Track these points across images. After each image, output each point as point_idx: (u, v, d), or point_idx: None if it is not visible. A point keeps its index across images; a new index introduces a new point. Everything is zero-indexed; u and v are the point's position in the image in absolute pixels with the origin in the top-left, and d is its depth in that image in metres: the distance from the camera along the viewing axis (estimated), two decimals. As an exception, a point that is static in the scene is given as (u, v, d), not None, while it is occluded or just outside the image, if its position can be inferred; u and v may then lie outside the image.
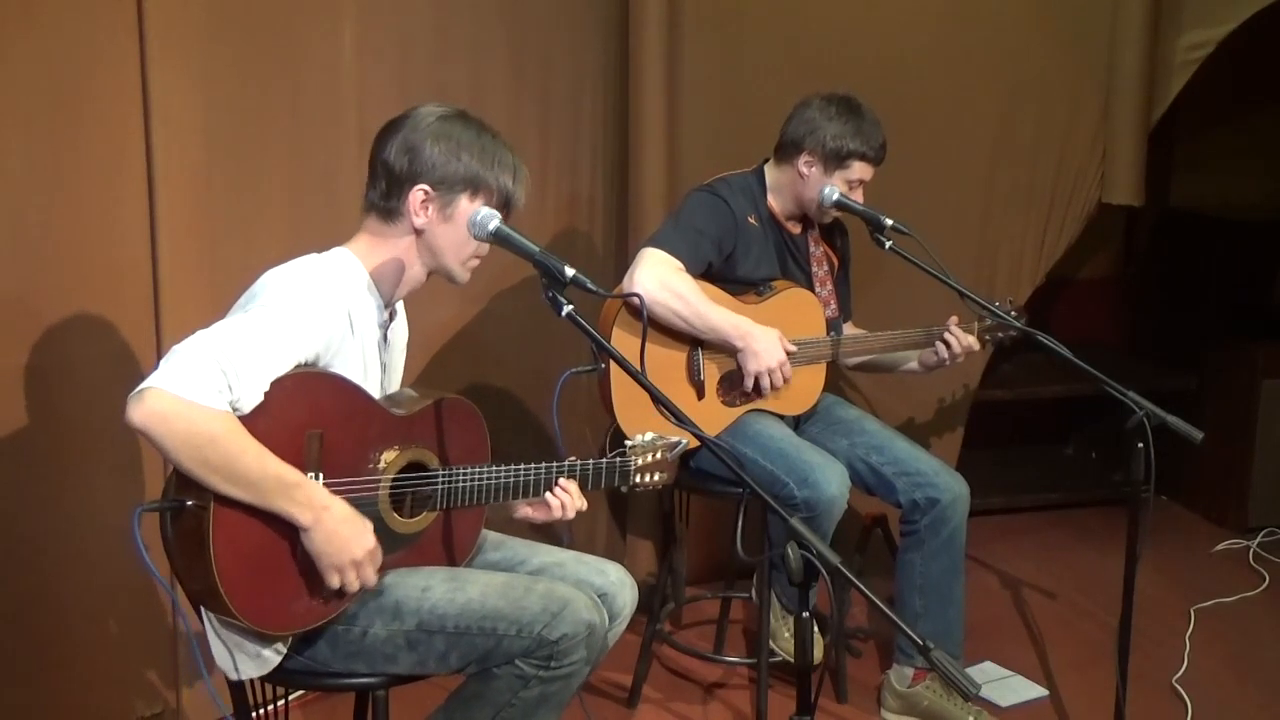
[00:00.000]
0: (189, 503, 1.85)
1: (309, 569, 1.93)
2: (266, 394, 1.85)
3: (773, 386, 2.86)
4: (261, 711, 2.15)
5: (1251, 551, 4.04)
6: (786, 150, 2.96)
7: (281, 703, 2.17)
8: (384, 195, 2.09)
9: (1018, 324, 2.93)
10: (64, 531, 2.64)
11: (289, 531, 1.90)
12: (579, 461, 2.21)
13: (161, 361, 1.81)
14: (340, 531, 1.91)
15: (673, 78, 3.34)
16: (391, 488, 2.03)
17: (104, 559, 2.64)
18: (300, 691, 2.87)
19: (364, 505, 1.98)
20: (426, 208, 2.08)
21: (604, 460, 2.25)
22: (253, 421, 1.84)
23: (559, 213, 3.41)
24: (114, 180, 2.63)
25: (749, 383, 2.85)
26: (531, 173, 3.28)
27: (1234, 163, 4.64)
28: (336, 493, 1.94)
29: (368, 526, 1.95)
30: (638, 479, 2.29)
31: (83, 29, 2.55)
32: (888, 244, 2.86)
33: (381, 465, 2.01)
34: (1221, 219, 4.44)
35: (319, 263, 2.05)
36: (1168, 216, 4.64)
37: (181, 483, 1.85)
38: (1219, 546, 4.11)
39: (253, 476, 1.83)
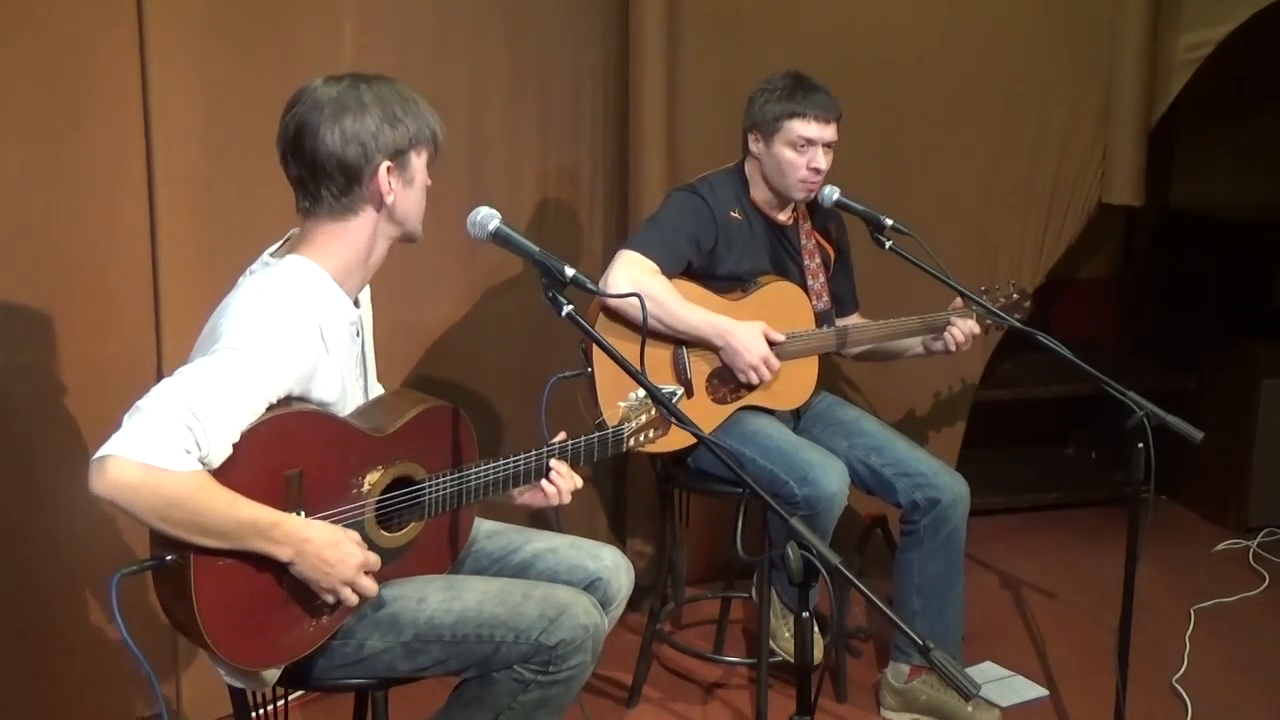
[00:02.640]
0: (168, 558, 1.81)
1: (297, 600, 1.92)
2: (241, 442, 1.80)
3: (761, 380, 2.85)
4: (261, 712, 2.16)
5: (1251, 551, 4.04)
6: (743, 140, 2.97)
7: (281, 703, 2.16)
8: (341, 190, 1.98)
9: (1018, 323, 2.91)
10: (63, 531, 2.64)
11: (274, 566, 1.87)
12: (569, 441, 2.19)
13: (125, 418, 1.73)
14: (325, 557, 1.88)
15: (673, 78, 3.34)
16: (377, 508, 2.01)
17: (103, 559, 2.64)
18: (300, 691, 2.87)
19: (350, 530, 1.96)
20: (390, 182, 2.00)
21: (594, 435, 2.23)
22: (228, 472, 1.78)
23: (558, 212, 3.41)
24: (114, 180, 2.63)
25: (741, 379, 2.85)
26: (531, 173, 3.34)
27: (1234, 163, 4.64)
28: None
29: (353, 542, 1.92)
30: (632, 441, 2.28)
31: (83, 29, 2.55)
32: (887, 244, 2.86)
33: (365, 488, 1.99)
34: (1221, 219, 4.44)
35: (281, 287, 1.94)
36: (1168, 216, 4.64)
37: (159, 537, 1.81)
38: (1219, 546, 4.11)
39: (226, 528, 1.79)
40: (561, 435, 2.21)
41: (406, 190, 2.03)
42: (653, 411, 2.30)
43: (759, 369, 2.83)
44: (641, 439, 2.30)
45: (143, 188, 2.66)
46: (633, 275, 2.74)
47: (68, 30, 2.53)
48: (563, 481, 2.18)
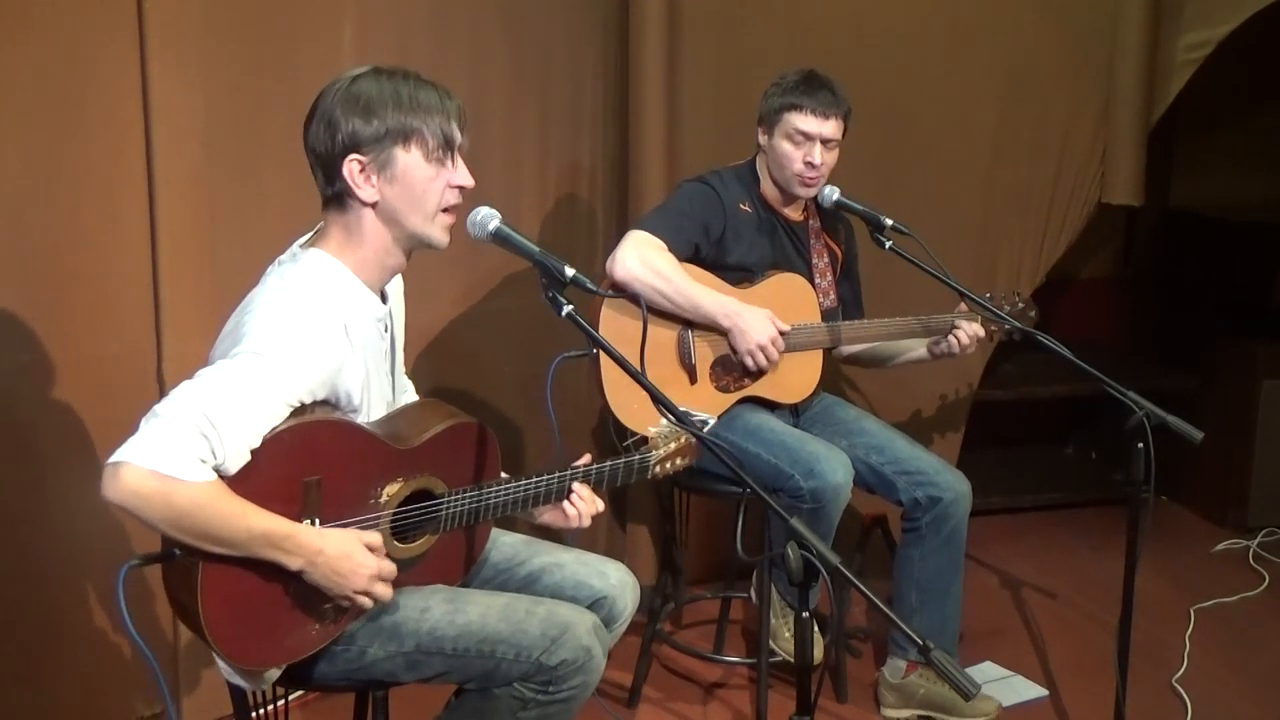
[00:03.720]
0: (177, 552, 1.81)
1: (302, 603, 1.91)
2: (263, 447, 1.79)
3: (769, 360, 2.84)
4: (261, 712, 2.16)
5: (1251, 551, 4.04)
6: (755, 135, 2.98)
7: (281, 703, 2.16)
8: (326, 183, 1.96)
9: (1019, 324, 2.91)
10: (64, 531, 2.64)
11: (282, 569, 1.85)
12: (593, 466, 2.18)
13: (142, 422, 1.72)
14: (339, 568, 1.87)
15: (673, 77, 3.34)
16: (393, 520, 2.00)
17: (104, 559, 2.64)
18: (300, 691, 2.87)
19: None
20: (368, 177, 1.94)
21: (620, 461, 2.21)
22: (248, 475, 1.78)
23: (559, 212, 3.41)
24: (114, 180, 2.63)
25: (747, 361, 2.84)
26: (531, 172, 3.34)
27: (1234, 163, 4.64)
28: None
29: (367, 551, 1.90)
30: (658, 469, 2.26)
31: (83, 29, 2.55)
32: (888, 244, 2.86)
33: (384, 499, 1.97)
34: (1221, 219, 4.44)
35: (304, 285, 1.92)
36: (1168, 216, 4.64)
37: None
38: (1219, 546, 4.11)
39: (239, 539, 1.78)
40: (586, 458, 2.19)
41: (392, 187, 1.96)
42: (681, 439, 2.26)
43: (767, 349, 2.81)
44: (668, 466, 2.27)
45: (143, 188, 2.66)
46: (641, 253, 2.75)
47: (68, 30, 2.53)
48: (584, 505, 2.16)
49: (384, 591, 1.93)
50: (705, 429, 2.20)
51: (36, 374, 2.60)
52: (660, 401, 1.97)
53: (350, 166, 1.94)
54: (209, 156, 2.73)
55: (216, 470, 1.75)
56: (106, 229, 2.64)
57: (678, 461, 2.29)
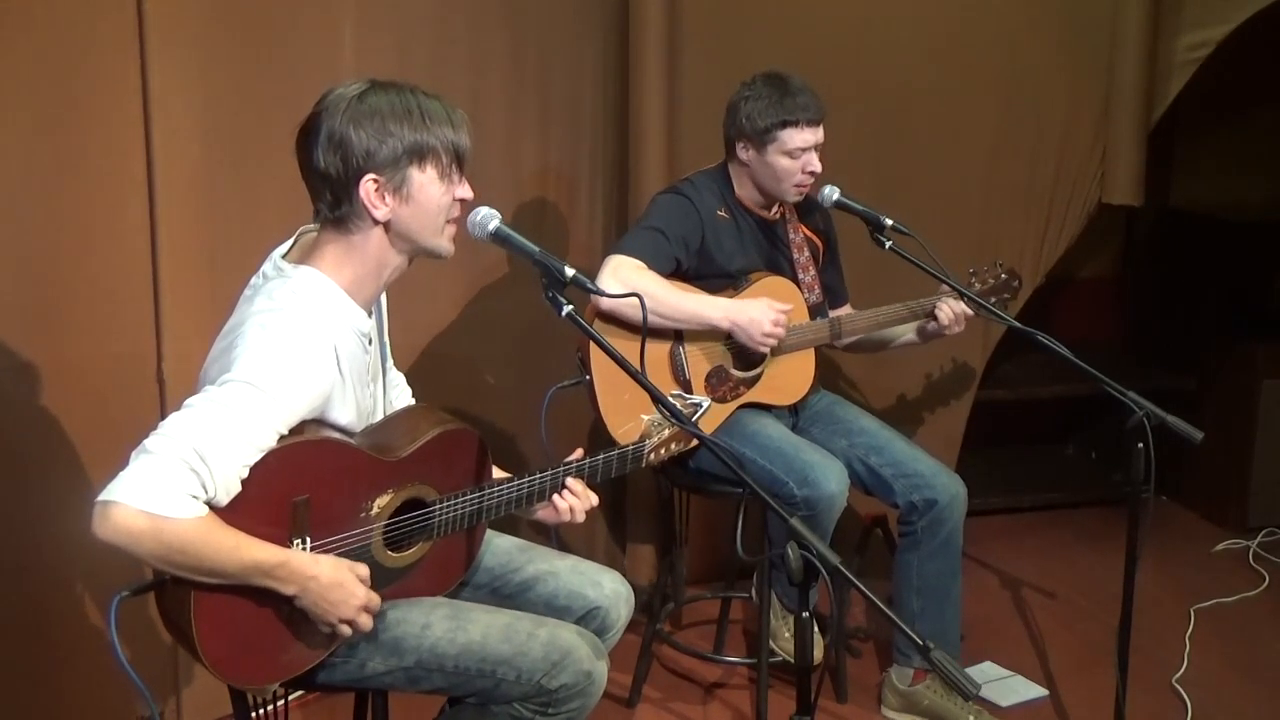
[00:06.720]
0: (168, 578, 1.80)
1: (296, 621, 1.90)
2: (248, 472, 1.78)
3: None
4: (261, 712, 2.15)
5: (1251, 551, 4.04)
6: (727, 148, 2.97)
7: (281, 703, 2.16)
8: (333, 205, 1.92)
9: (1011, 320, 2.90)
10: (64, 532, 2.63)
11: (274, 592, 1.85)
12: (586, 460, 2.17)
13: (131, 457, 1.72)
14: (329, 596, 1.87)
15: (673, 77, 3.34)
16: (385, 530, 1.99)
17: (104, 560, 2.63)
18: (300, 691, 2.87)
19: (356, 553, 1.95)
20: (383, 196, 1.91)
21: (613, 452, 2.21)
22: (235, 502, 1.77)
23: (558, 212, 3.41)
24: (114, 180, 2.64)
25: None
26: (531, 172, 3.34)
27: (1234, 163, 4.64)
28: (326, 550, 1.90)
29: (358, 582, 1.90)
30: (653, 456, 2.25)
31: (83, 29, 2.55)
32: (888, 244, 2.86)
33: (374, 512, 1.96)
34: (1221, 219, 4.44)
35: (296, 308, 1.88)
36: (1168, 216, 4.64)
37: None
38: (1219, 546, 4.11)
39: (230, 570, 1.78)
40: (578, 452, 2.18)
41: (406, 206, 1.94)
42: (674, 426, 2.27)
43: (774, 332, 2.80)
44: (663, 453, 2.27)
45: (143, 188, 2.66)
46: (622, 276, 2.74)
47: (68, 31, 2.54)
48: (577, 501, 2.15)
49: (366, 623, 1.93)
50: (701, 412, 2.20)
51: (36, 374, 2.60)
52: (660, 401, 1.97)
53: (366, 186, 1.91)
54: (209, 156, 2.74)
55: (208, 504, 1.74)
56: (106, 229, 2.64)
57: (672, 447, 2.29)
